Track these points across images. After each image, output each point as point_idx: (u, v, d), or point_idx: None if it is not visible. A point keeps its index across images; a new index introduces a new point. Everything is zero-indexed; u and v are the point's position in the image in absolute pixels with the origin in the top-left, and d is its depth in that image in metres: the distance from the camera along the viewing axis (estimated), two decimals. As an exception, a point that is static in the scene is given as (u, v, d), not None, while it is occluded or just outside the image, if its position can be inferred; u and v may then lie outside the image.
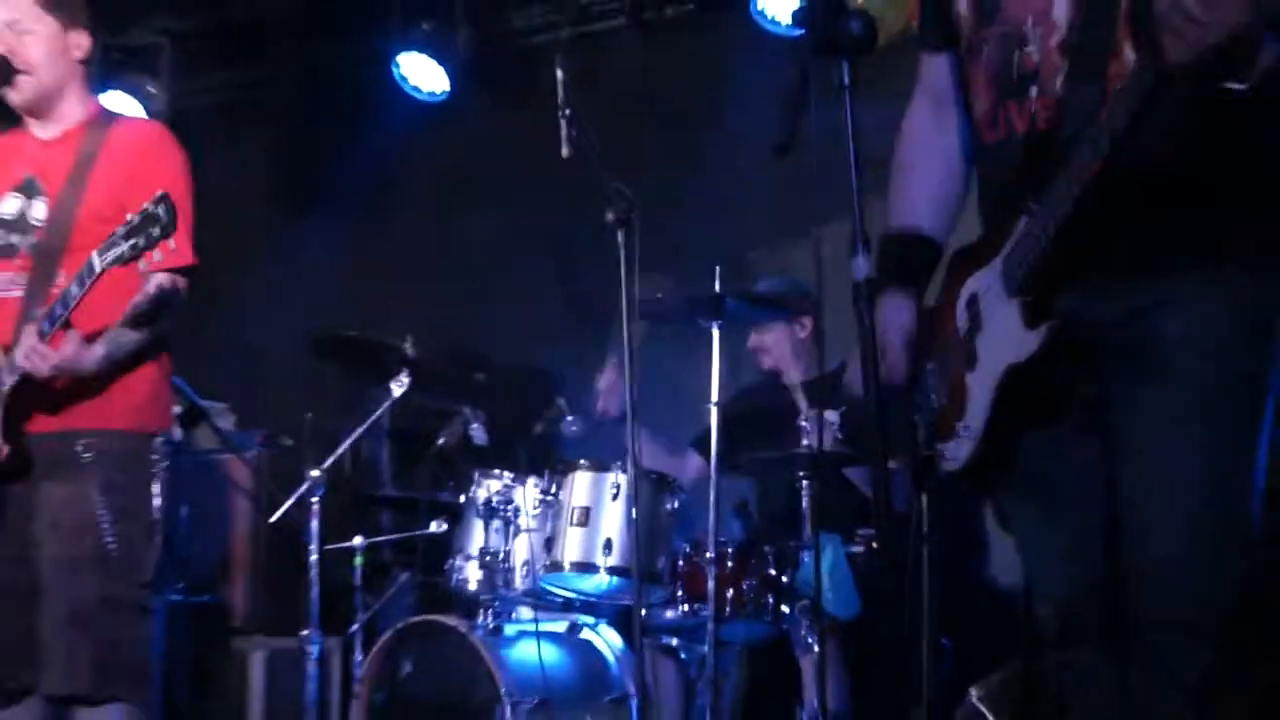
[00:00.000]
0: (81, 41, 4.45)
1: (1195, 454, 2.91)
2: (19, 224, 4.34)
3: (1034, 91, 3.10)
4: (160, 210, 3.98)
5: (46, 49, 4.40)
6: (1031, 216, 2.97)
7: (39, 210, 4.31)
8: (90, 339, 4.17)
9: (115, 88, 7.39)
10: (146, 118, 4.50)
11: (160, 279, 4.24)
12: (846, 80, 3.00)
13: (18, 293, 4.27)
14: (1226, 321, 2.91)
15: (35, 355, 4.10)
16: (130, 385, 4.33)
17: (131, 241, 3.98)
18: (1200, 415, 2.91)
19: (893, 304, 3.34)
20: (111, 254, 4.00)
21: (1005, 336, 3.02)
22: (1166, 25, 2.57)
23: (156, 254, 3.98)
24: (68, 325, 4.08)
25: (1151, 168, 2.81)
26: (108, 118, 4.53)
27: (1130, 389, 2.96)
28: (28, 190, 4.36)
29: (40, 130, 4.48)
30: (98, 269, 4.01)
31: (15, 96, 4.41)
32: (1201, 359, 2.90)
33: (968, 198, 3.41)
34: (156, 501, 4.37)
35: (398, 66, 7.18)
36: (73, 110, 4.47)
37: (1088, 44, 3.02)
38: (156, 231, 3.96)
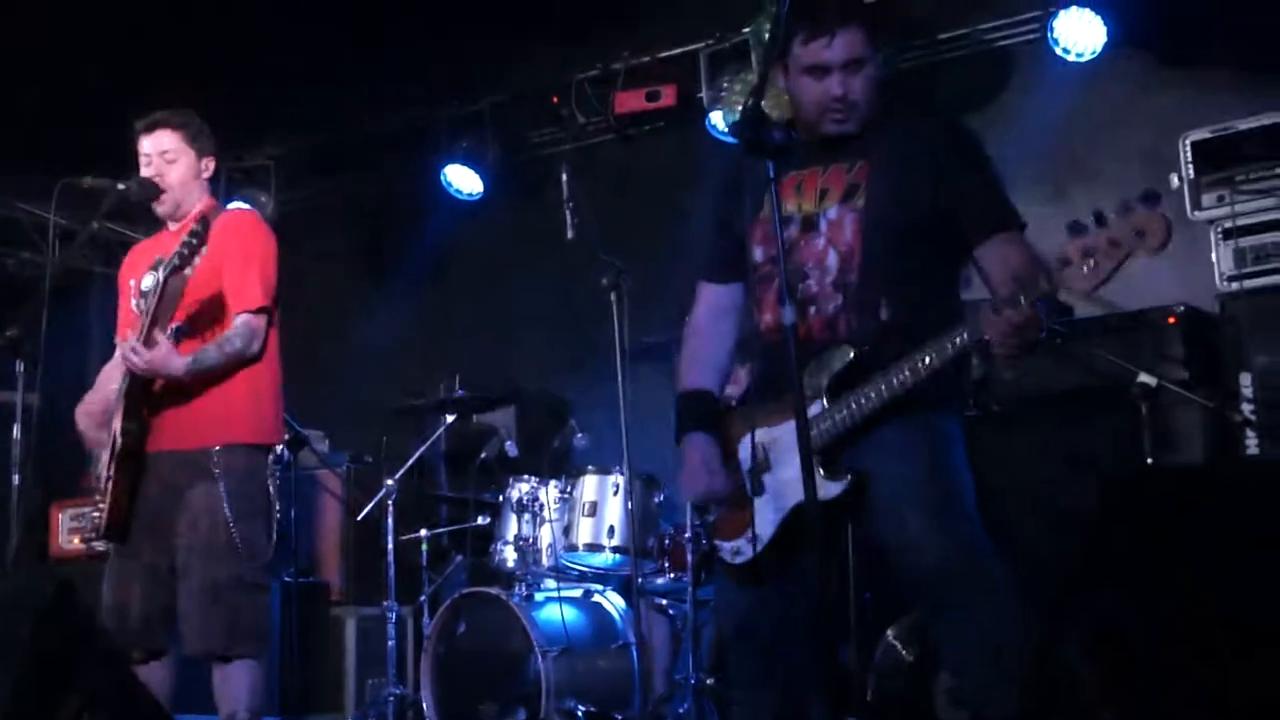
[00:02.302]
0: (210, 165, 4.45)
1: (924, 498, 3.18)
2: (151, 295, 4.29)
3: (812, 311, 3.29)
4: (199, 227, 4.10)
5: (185, 173, 4.39)
6: (828, 405, 3.20)
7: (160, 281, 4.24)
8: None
9: (236, 199, 7.31)
10: (245, 207, 4.47)
11: (242, 317, 4.21)
12: (772, 174, 2.99)
13: None
14: (924, 436, 3.22)
15: (132, 352, 4.04)
16: (248, 413, 4.27)
17: (180, 254, 4.08)
18: (922, 481, 3.19)
19: (701, 437, 3.45)
20: (167, 269, 4.10)
21: (799, 480, 3.09)
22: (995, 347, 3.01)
23: (191, 267, 4.09)
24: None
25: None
26: (217, 211, 4.45)
27: (879, 481, 3.22)
28: (155, 267, 4.26)
29: (172, 225, 4.45)
30: (161, 278, 4.11)
31: (159, 209, 4.41)
32: (914, 453, 3.19)
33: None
34: (272, 503, 4.30)
35: (444, 175, 7.13)
36: (193, 208, 4.42)
37: (855, 285, 3.26)
38: (195, 242, 4.07)
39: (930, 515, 3.14)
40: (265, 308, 4.27)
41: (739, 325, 3.59)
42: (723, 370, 3.58)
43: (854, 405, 3.16)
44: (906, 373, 3.08)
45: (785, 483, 3.25)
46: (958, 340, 3.02)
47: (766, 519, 3.31)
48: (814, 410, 3.20)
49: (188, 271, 4.13)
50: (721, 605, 3.69)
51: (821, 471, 3.16)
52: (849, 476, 3.18)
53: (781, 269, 3.03)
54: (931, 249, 3.26)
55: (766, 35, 5.84)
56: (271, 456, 4.35)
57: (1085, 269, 2.83)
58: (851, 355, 3.20)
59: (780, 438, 3.25)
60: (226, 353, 4.18)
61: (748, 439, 3.35)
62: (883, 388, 3.12)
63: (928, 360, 3.05)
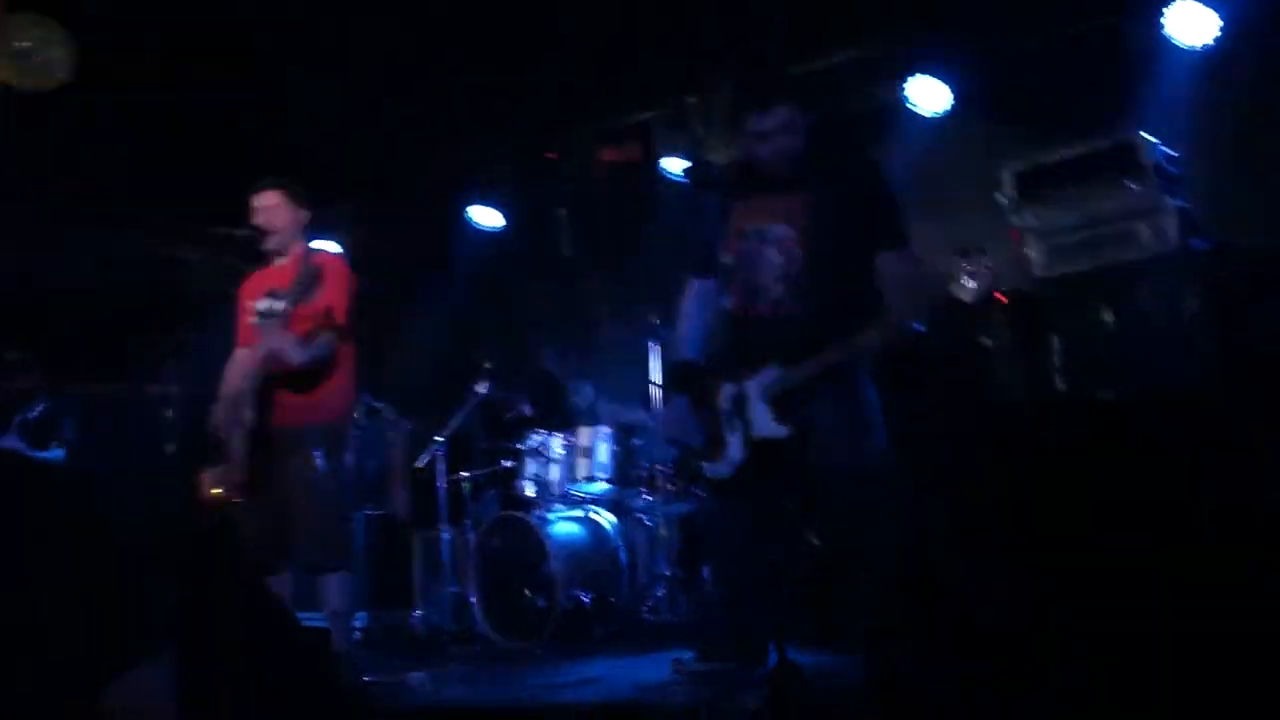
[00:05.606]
0: (305, 215, 4.61)
1: (847, 426, 3.47)
2: (270, 315, 4.43)
3: (763, 298, 3.57)
4: (309, 273, 4.29)
5: (287, 222, 4.56)
6: (782, 368, 3.47)
7: (279, 306, 4.38)
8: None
9: (322, 238, 6.88)
10: (333, 252, 4.66)
11: (329, 334, 4.39)
12: (718, 202, 3.51)
13: None
14: (849, 389, 3.49)
15: (265, 337, 4.27)
16: (340, 402, 4.47)
17: (300, 289, 4.29)
18: (846, 416, 3.47)
19: (678, 398, 3.74)
20: (285, 303, 4.28)
21: (760, 421, 3.49)
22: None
23: (308, 298, 4.23)
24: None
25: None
26: (312, 252, 4.57)
27: (817, 419, 3.48)
28: (271, 294, 4.44)
29: (278, 260, 4.60)
30: (289, 305, 4.28)
31: (267, 246, 4.59)
32: (841, 400, 3.47)
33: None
34: (350, 461, 4.50)
35: (468, 214, 7.15)
36: (295, 250, 4.57)
37: (795, 280, 3.52)
38: (310, 282, 4.27)
39: (850, 435, 3.45)
40: (344, 328, 4.46)
41: (716, 308, 3.80)
42: (705, 341, 3.79)
43: (798, 371, 3.45)
44: (836, 354, 3.40)
45: (750, 422, 3.56)
46: (871, 340, 3.39)
47: (736, 449, 3.59)
48: (773, 373, 3.50)
49: (304, 300, 4.35)
50: (703, 512, 3.86)
51: (775, 418, 3.49)
52: (795, 425, 3.45)
53: (722, 270, 3.46)
54: (852, 255, 3.47)
55: (709, 104, 6.00)
56: (349, 430, 4.54)
57: (968, 283, 3.34)
58: (799, 334, 3.47)
59: (748, 390, 3.58)
60: (318, 356, 4.38)
61: (727, 388, 3.63)
62: (820, 361, 3.42)
63: (850, 350, 3.40)
